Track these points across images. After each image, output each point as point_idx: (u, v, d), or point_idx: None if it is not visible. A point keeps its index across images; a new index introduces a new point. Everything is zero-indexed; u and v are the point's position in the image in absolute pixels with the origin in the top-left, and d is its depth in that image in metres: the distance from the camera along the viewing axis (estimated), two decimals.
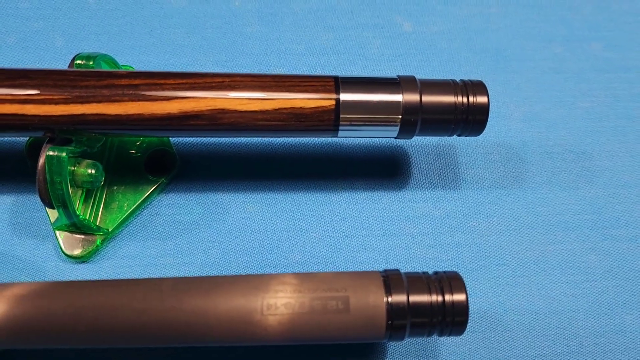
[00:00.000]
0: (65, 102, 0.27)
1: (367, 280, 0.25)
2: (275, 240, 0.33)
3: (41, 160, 0.28)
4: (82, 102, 0.27)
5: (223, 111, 0.28)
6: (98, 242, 0.32)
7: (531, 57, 0.39)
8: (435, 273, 0.27)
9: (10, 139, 0.34)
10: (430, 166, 0.35)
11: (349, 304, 0.25)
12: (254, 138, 0.35)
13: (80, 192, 0.31)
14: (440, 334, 0.26)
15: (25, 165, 0.33)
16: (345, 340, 0.25)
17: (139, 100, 0.27)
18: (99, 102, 0.27)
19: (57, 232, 0.32)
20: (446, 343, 0.31)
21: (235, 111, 0.28)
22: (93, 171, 0.30)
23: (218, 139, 0.35)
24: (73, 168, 0.29)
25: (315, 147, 0.35)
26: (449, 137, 0.35)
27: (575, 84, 0.38)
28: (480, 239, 0.34)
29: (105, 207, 0.32)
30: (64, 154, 0.28)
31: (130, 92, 0.27)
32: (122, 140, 0.34)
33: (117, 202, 0.32)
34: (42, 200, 0.29)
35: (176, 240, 0.33)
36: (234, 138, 0.35)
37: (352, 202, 0.34)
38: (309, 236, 0.33)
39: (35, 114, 0.27)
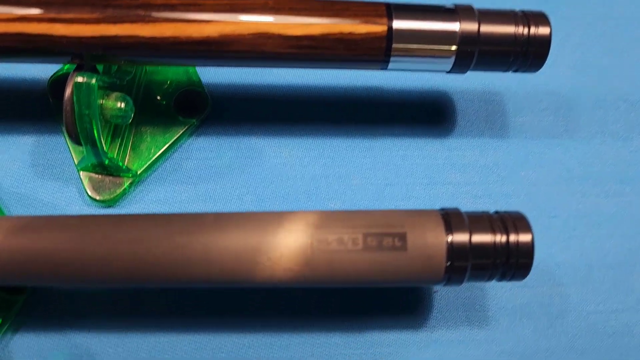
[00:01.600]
0: (97, 21, 0.25)
1: (425, 218, 0.23)
2: (313, 187, 0.31)
3: (68, 90, 0.26)
4: (114, 22, 0.25)
5: (266, 35, 0.25)
6: (126, 185, 0.30)
7: (582, 2, 0.36)
8: (497, 213, 0.25)
9: (32, 76, 0.32)
10: (477, 113, 0.33)
11: (407, 241, 0.23)
12: (293, 78, 0.32)
13: (107, 130, 0.29)
14: (502, 278, 0.24)
15: (47, 104, 0.31)
16: (398, 283, 0.23)
17: (175, 21, 0.25)
18: (133, 22, 0.25)
19: (82, 174, 0.30)
20: (495, 297, 0.29)
21: (279, 35, 0.25)
22: (123, 105, 0.27)
23: (253, 79, 0.32)
24: (101, 101, 0.27)
25: (355, 90, 0.33)
26: (498, 79, 0.33)
27: (629, 30, 0.36)
28: (530, 190, 0.32)
29: (133, 148, 0.30)
30: (93, 81, 0.26)
31: (167, 12, 0.25)
32: (150, 79, 0.31)
33: (145, 144, 0.30)
34: (69, 134, 0.27)
35: (208, 185, 0.31)
36: (270, 79, 0.32)
37: (394, 148, 0.32)
38: (348, 184, 0.31)
39: (64, 34, 0.25)
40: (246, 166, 0.31)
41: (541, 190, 0.32)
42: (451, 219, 0.23)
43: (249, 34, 0.25)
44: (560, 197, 0.32)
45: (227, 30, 0.25)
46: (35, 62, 0.28)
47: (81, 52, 0.26)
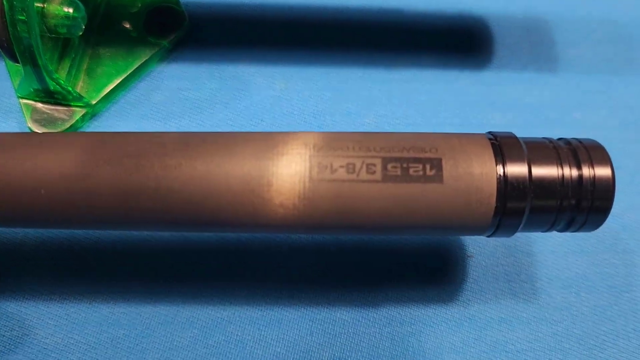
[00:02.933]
0: None
1: (468, 141, 0.17)
2: (315, 125, 0.24)
3: None
4: None
5: None
6: (77, 118, 0.23)
7: None
8: (562, 139, 0.18)
9: None
10: (518, 43, 0.27)
11: (442, 170, 0.16)
12: None
13: (54, 46, 0.23)
14: (568, 227, 0.18)
15: None
16: (427, 230, 0.17)
17: None
18: None
19: (23, 103, 0.23)
20: (545, 265, 0.23)
21: None
22: (70, 9, 0.21)
23: None
24: (43, 5, 0.21)
25: (369, 11, 0.26)
26: (543, 2, 0.27)
27: None
28: (587, 135, 0.25)
29: (88, 73, 0.24)
30: None
31: None
32: None
33: (103, 68, 0.24)
34: (1, 47, 0.21)
35: (182, 121, 0.24)
36: None
37: (417, 81, 0.26)
38: (359, 122, 0.25)
39: None
40: (230, 99, 0.25)
41: (600, 136, 0.25)
42: (503, 144, 0.17)
43: None
44: (624, 144, 0.25)
45: None
46: None
47: None
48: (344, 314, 0.22)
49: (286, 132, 0.17)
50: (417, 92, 0.25)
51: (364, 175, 0.16)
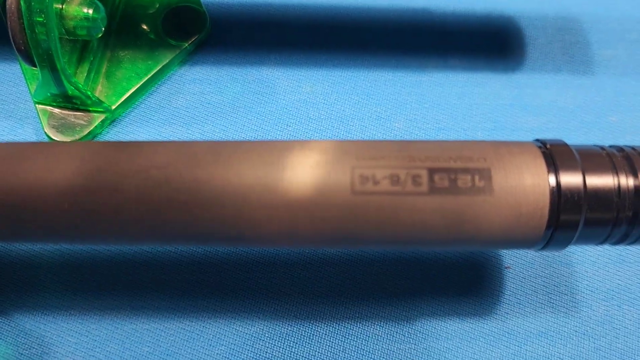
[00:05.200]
0: None
1: (518, 150, 0.16)
2: (342, 130, 0.23)
3: None
4: None
5: None
6: (96, 124, 0.22)
7: None
8: (614, 147, 0.17)
9: None
10: (551, 44, 0.26)
11: (492, 181, 0.15)
12: None
13: (72, 48, 0.22)
14: (622, 240, 0.17)
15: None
16: (477, 244, 0.16)
17: None
18: None
19: (40, 108, 0.23)
20: (586, 276, 0.22)
21: None
22: (90, 10, 0.20)
23: None
24: (61, 6, 0.20)
25: (399, 11, 0.25)
26: (577, 2, 0.26)
27: None
28: (624, 139, 0.24)
29: (107, 77, 0.23)
30: None
31: None
32: None
33: (123, 71, 0.23)
34: (18, 50, 0.20)
35: (204, 127, 0.23)
36: None
37: (448, 84, 0.25)
38: (389, 127, 0.24)
39: None
40: (254, 104, 0.24)
41: (638, 140, 0.25)
42: (555, 153, 0.16)
43: None
44: None
45: None
46: None
47: None
48: (378, 329, 0.21)
49: (322, 141, 0.16)
50: (448, 95, 0.24)
51: (409, 187, 0.15)
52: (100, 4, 0.21)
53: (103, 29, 0.21)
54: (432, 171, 0.15)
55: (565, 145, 0.17)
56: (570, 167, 0.16)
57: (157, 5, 0.24)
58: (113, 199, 0.15)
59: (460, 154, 0.16)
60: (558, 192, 0.16)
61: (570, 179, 0.16)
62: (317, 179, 0.15)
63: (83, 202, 0.15)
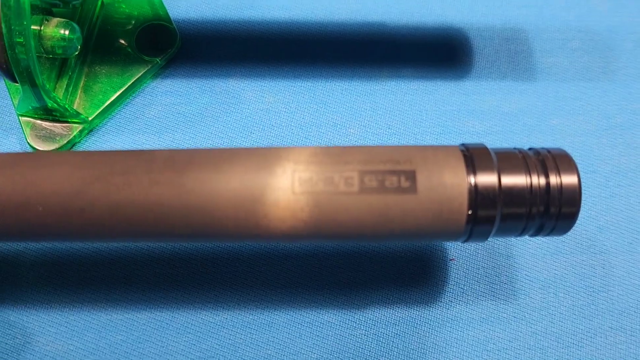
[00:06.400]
0: None
1: (440, 153, 0.18)
2: (302, 137, 0.26)
3: None
4: None
5: None
6: (75, 134, 0.24)
7: None
8: (532, 149, 0.19)
9: None
10: (497, 53, 0.28)
11: (416, 181, 0.17)
12: (278, 10, 0.27)
13: (51, 66, 0.24)
14: (538, 232, 0.19)
15: None
16: (404, 237, 0.18)
17: None
18: None
19: (23, 120, 0.25)
20: (524, 266, 0.24)
21: None
22: (66, 32, 0.22)
23: (229, 12, 0.27)
24: (40, 27, 0.22)
25: (353, 25, 0.27)
26: (520, 14, 0.28)
27: None
28: (564, 141, 0.27)
29: (85, 90, 0.25)
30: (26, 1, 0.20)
31: None
32: (109, 12, 0.26)
33: (99, 85, 0.25)
34: (0, 68, 0.22)
35: (175, 135, 0.25)
36: (250, 12, 0.27)
37: (399, 92, 0.27)
38: (344, 133, 0.26)
39: None
40: (221, 113, 0.26)
41: (577, 142, 0.27)
42: (474, 155, 0.18)
43: None
44: (600, 149, 0.26)
45: None
46: None
47: None
48: (331, 316, 0.23)
49: (268, 148, 0.18)
50: (400, 103, 0.27)
51: (342, 187, 0.17)
52: (76, 25, 0.23)
53: (79, 47, 0.23)
54: (362, 173, 0.17)
55: (484, 148, 0.19)
56: (487, 168, 0.18)
57: (133, 22, 0.26)
58: (79, 202, 0.17)
59: (390, 158, 0.18)
60: (475, 191, 0.18)
61: (486, 179, 0.18)
62: (262, 182, 0.17)
63: (53, 205, 0.17)
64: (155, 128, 0.25)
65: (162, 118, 0.26)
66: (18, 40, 0.21)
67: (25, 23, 0.21)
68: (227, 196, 0.17)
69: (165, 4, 0.27)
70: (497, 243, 0.24)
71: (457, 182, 0.17)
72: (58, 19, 0.22)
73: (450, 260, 0.24)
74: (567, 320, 0.24)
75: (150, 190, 0.17)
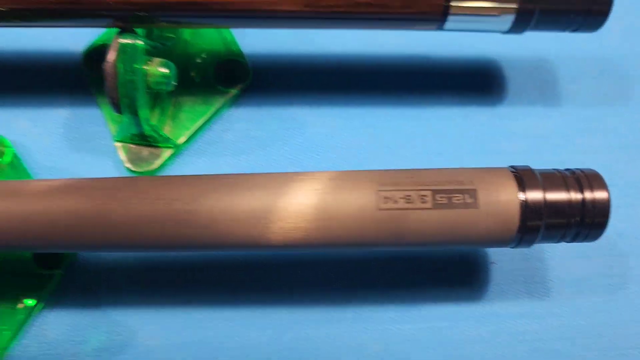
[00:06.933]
0: None
1: (495, 175, 0.22)
2: (358, 156, 0.29)
3: (112, 54, 0.25)
4: None
5: None
6: (165, 157, 0.28)
7: None
8: (568, 170, 0.23)
9: (64, 48, 0.31)
10: (527, 81, 0.32)
11: (478, 198, 0.21)
12: (335, 46, 0.31)
13: (148, 98, 0.28)
14: (574, 238, 0.23)
15: (80, 76, 0.30)
16: (468, 244, 0.22)
17: None
18: None
19: (119, 145, 0.28)
20: (554, 269, 0.28)
21: None
22: (167, 70, 0.26)
23: (294, 48, 0.31)
24: (144, 66, 0.26)
25: (401, 58, 0.31)
26: (548, 46, 0.32)
27: None
28: (586, 158, 0.30)
29: (172, 118, 0.29)
30: (139, 42, 0.24)
31: None
32: (189, 49, 0.30)
33: (185, 114, 0.29)
34: (111, 102, 0.26)
35: (249, 156, 0.29)
36: (312, 48, 0.31)
37: (442, 118, 0.31)
38: (395, 153, 0.30)
39: None
40: (288, 137, 0.30)
41: (597, 159, 0.30)
42: (523, 176, 0.22)
43: None
44: (617, 164, 0.30)
45: None
46: (77, 25, 0.26)
47: (126, 13, 0.24)
48: (393, 312, 0.27)
49: (354, 171, 0.22)
50: (443, 126, 0.30)
51: (419, 204, 0.21)
52: (173, 65, 0.27)
53: (174, 84, 0.27)
54: (434, 192, 0.21)
55: (530, 169, 0.23)
56: (534, 186, 0.22)
57: (211, 58, 0.30)
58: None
59: (455, 179, 0.22)
60: (525, 205, 0.22)
61: (534, 195, 0.22)
62: (349, 200, 0.21)
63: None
64: (231, 151, 0.29)
65: (238, 142, 0.29)
66: (129, 78, 0.25)
67: (137, 65, 0.25)
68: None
69: (238, 40, 0.31)
70: (531, 249, 0.28)
71: (510, 199, 0.21)
72: (159, 59, 0.26)
73: (492, 263, 0.28)
74: (591, 314, 0.27)
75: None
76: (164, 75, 0.26)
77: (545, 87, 0.32)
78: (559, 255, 0.28)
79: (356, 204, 0.21)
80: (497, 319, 0.27)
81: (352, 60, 0.31)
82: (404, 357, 0.26)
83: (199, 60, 0.30)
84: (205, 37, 0.31)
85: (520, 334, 0.27)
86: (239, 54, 0.30)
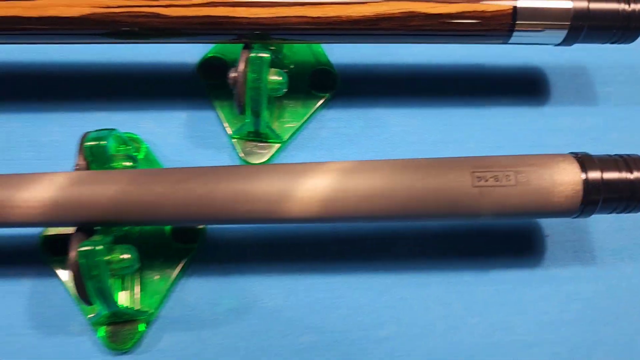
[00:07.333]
0: (271, 5, 0.29)
1: (562, 159, 0.28)
2: (433, 149, 0.35)
3: (242, 65, 0.30)
4: (287, 6, 0.29)
5: (412, 14, 0.30)
6: (273, 151, 0.34)
7: None
8: (617, 155, 0.29)
9: (180, 61, 0.36)
10: (567, 85, 0.38)
11: (551, 177, 0.27)
12: (410, 56, 0.37)
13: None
14: (623, 211, 0.28)
15: (196, 83, 0.36)
16: (542, 215, 0.28)
17: (338, 4, 0.30)
18: (302, 4, 0.29)
19: (235, 141, 0.34)
20: (600, 240, 0.34)
21: (424, 14, 0.30)
22: (282, 78, 0.32)
23: (375, 58, 0.37)
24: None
25: (465, 67, 0.37)
26: (585, 56, 0.38)
27: None
28: (621, 149, 0.36)
29: (278, 118, 0.35)
30: (267, 56, 0.30)
31: None
32: (285, 59, 0.36)
33: (287, 115, 0.35)
34: (238, 105, 0.31)
35: (341, 150, 0.35)
36: (389, 58, 0.37)
37: (501, 116, 0.36)
38: (464, 147, 0.35)
39: (245, 16, 0.29)
40: (373, 134, 0.35)
41: (630, 150, 0.36)
42: (583, 159, 0.28)
43: (399, 13, 0.30)
44: None
45: (380, 10, 0.30)
46: (208, 42, 0.32)
47: (254, 33, 0.30)
48: (469, 276, 0.33)
49: (451, 158, 0.28)
50: (502, 124, 0.36)
51: (504, 182, 0.27)
52: (284, 73, 0.32)
53: (285, 90, 0.33)
54: (517, 172, 0.27)
55: (589, 154, 0.28)
56: (593, 167, 0.28)
57: (302, 71, 0.36)
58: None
59: (534, 162, 0.27)
60: (587, 183, 0.27)
61: (594, 175, 0.27)
62: (445, 180, 0.27)
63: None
64: (326, 145, 0.35)
65: (331, 138, 0.35)
66: (256, 85, 0.31)
67: (263, 75, 0.31)
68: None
69: (326, 52, 0.36)
70: (580, 222, 0.34)
71: (575, 178, 0.27)
72: (274, 68, 0.32)
73: (546, 236, 0.34)
74: (631, 277, 0.33)
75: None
76: (279, 83, 0.32)
77: (582, 90, 0.38)
78: (603, 229, 0.34)
79: (455, 182, 0.27)
80: (553, 282, 0.33)
81: (425, 68, 0.37)
82: (480, 312, 0.32)
83: (294, 70, 0.36)
84: (298, 51, 0.36)
85: (573, 294, 0.33)
86: (327, 64, 0.36)
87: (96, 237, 0.27)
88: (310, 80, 0.36)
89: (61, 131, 0.34)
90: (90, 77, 0.36)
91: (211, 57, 0.36)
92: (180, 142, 0.35)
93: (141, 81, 0.36)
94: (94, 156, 0.28)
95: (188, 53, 0.36)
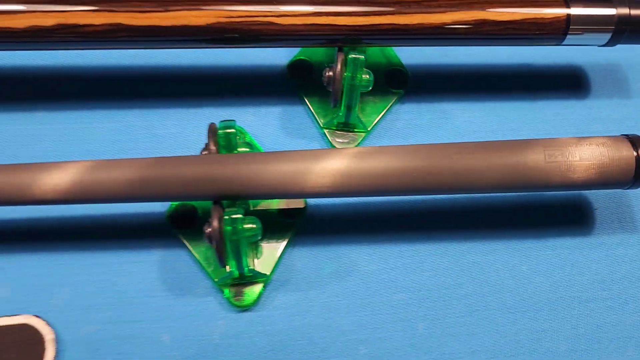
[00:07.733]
0: (366, 14, 0.35)
1: (616, 140, 0.33)
2: (492, 137, 0.41)
3: (339, 66, 0.36)
4: (379, 15, 0.35)
5: (484, 21, 0.36)
6: (360, 139, 0.40)
7: None
8: None
9: (271, 63, 0.42)
10: (605, 80, 0.44)
11: (609, 155, 0.33)
12: (468, 58, 0.43)
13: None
14: None
15: (286, 82, 0.41)
16: (602, 185, 0.33)
17: (422, 12, 0.35)
18: (392, 14, 0.35)
19: (326, 131, 0.40)
20: None
21: (492, 21, 0.36)
22: (369, 76, 0.37)
23: (440, 59, 0.43)
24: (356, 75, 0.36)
25: (511, 65, 0.43)
26: (620, 56, 0.44)
27: None
28: None
29: (361, 111, 0.40)
30: (362, 57, 0.36)
31: (416, 6, 0.35)
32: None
33: (369, 108, 0.40)
34: (334, 99, 0.37)
35: (415, 138, 0.41)
36: (451, 59, 0.43)
37: (549, 107, 0.42)
38: (518, 134, 0.41)
39: (345, 23, 0.35)
40: (442, 124, 0.41)
41: None
42: (634, 140, 0.33)
43: (472, 20, 0.36)
44: None
45: (457, 17, 0.36)
46: (307, 46, 0.38)
47: (349, 37, 0.36)
48: (530, 242, 0.38)
49: (530, 139, 0.34)
50: (549, 114, 0.42)
51: (568, 158, 0.33)
52: (370, 72, 0.38)
53: (370, 88, 0.38)
54: (582, 151, 0.33)
55: (637, 135, 0.34)
56: None
57: (380, 68, 0.41)
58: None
59: (593, 142, 0.33)
60: (638, 159, 0.33)
61: None
62: (519, 156, 0.32)
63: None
64: (401, 135, 0.41)
65: (405, 128, 0.41)
66: (352, 83, 0.36)
67: (359, 73, 0.36)
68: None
69: (397, 54, 0.42)
70: (623, 197, 0.40)
71: (629, 155, 0.33)
72: (366, 69, 0.37)
73: (595, 209, 0.39)
74: None
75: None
76: (368, 80, 0.37)
77: (619, 84, 0.43)
78: None
79: (530, 158, 0.32)
80: (603, 247, 0.39)
81: (482, 67, 0.43)
82: (543, 272, 0.37)
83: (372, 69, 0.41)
84: (372, 53, 0.42)
85: (620, 257, 0.38)
86: (399, 64, 0.42)
87: (232, 209, 0.32)
88: (385, 78, 0.41)
89: (176, 124, 0.40)
90: (199, 78, 0.41)
91: (299, 59, 0.41)
92: (277, 132, 0.40)
93: (240, 81, 0.41)
94: (226, 142, 0.34)
95: (277, 56, 0.42)
